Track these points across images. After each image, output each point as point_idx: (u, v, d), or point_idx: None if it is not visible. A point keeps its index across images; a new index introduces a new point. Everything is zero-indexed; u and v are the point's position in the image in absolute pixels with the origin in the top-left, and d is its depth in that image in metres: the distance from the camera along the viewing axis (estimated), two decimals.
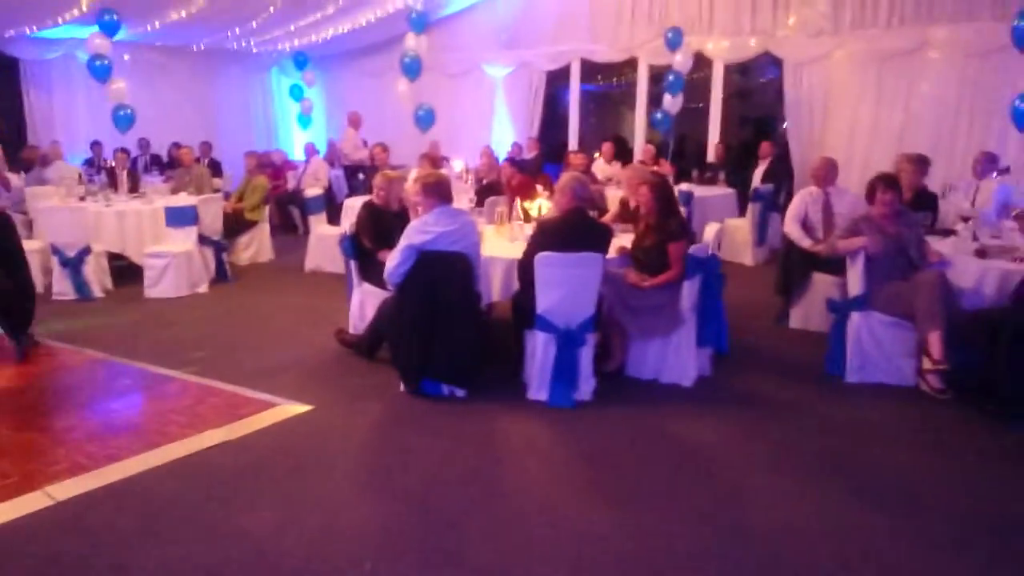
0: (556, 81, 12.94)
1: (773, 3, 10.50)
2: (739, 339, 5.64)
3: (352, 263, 5.54)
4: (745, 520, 3.24)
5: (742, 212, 9.18)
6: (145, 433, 4.11)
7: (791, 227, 6.04)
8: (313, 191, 9.52)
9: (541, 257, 4.31)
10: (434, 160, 8.73)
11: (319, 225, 8.74)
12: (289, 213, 11.18)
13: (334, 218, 9.19)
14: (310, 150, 11.98)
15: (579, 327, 4.37)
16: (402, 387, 4.62)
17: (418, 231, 4.45)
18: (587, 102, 13.68)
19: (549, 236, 4.47)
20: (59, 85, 12.14)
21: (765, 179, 9.55)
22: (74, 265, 7.04)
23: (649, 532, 3.13)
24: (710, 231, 5.61)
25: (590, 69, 12.86)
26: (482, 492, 3.48)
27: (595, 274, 4.37)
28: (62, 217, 7.21)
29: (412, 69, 10.41)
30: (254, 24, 11.73)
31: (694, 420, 4.31)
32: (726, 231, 8.09)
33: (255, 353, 5.51)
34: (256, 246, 9.02)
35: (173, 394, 4.70)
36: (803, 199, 6.15)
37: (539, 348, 4.43)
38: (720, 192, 9.70)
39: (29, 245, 7.37)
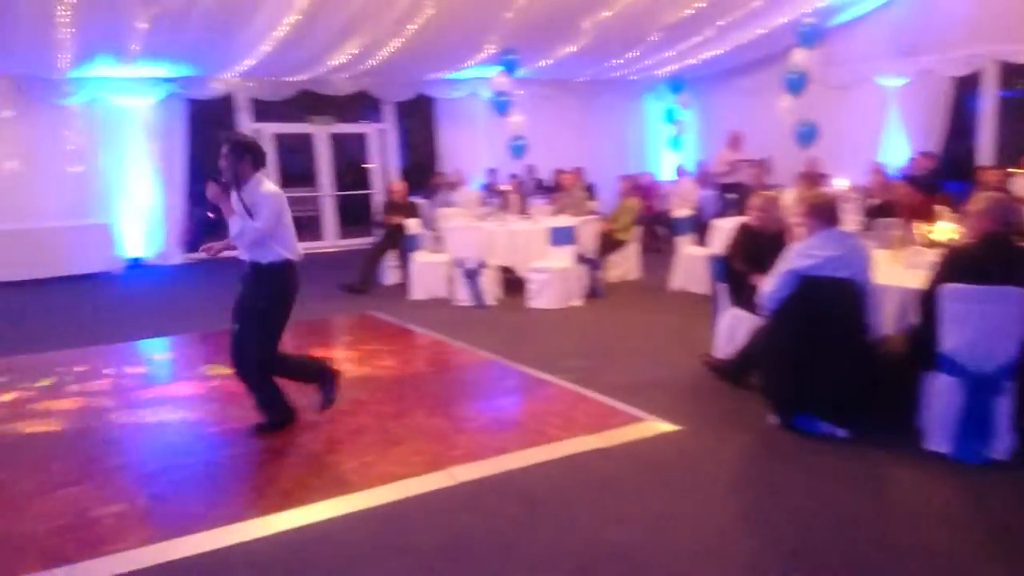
0: (962, 88, 11.37)
1: None
2: None
3: (721, 286, 5.43)
4: None
5: None
6: (527, 431, 4.48)
7: None
8: (681, 212, 9.59)
9: (950, 289, 3.77)
10: (812, 179, 8.22)
11: (686, 245, 8.77)
12: (656, 233, 11.42)
13: (702, 239, 9.15)
14: (680, 171, 12.12)
15: (996, 372, 3.73)
16: (773, 419, 4.39)
17: (800, 255, 4.20)
18: (1003, 110, 11.77)
19: (961, 265, 3.89)
20: (464, 119, 13.96)
21: None
22: (472, 276, 8.00)
23: None
24: None
25: (1009, 72, 11.05)
26: (862, 544, 3.13)
27: (1018, 312, 3.70)
28: (464, 235, 8.25)
29: (797, 85, 9.96)
30: (629, 54, 12.25)
31: None
32: None
33: (624, 367, 5.69)
34: (625, 265, 9.37)
35: (551, 397, 5.05)
36: None
37: (942, 392, 3.87)
38: None
39: (438, 259, 8.59)
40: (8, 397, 5.37)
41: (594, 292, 8.33)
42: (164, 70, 10.86)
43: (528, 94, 13.53)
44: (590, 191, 12.30)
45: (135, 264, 11.47)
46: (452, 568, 3.02)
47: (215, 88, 11.77)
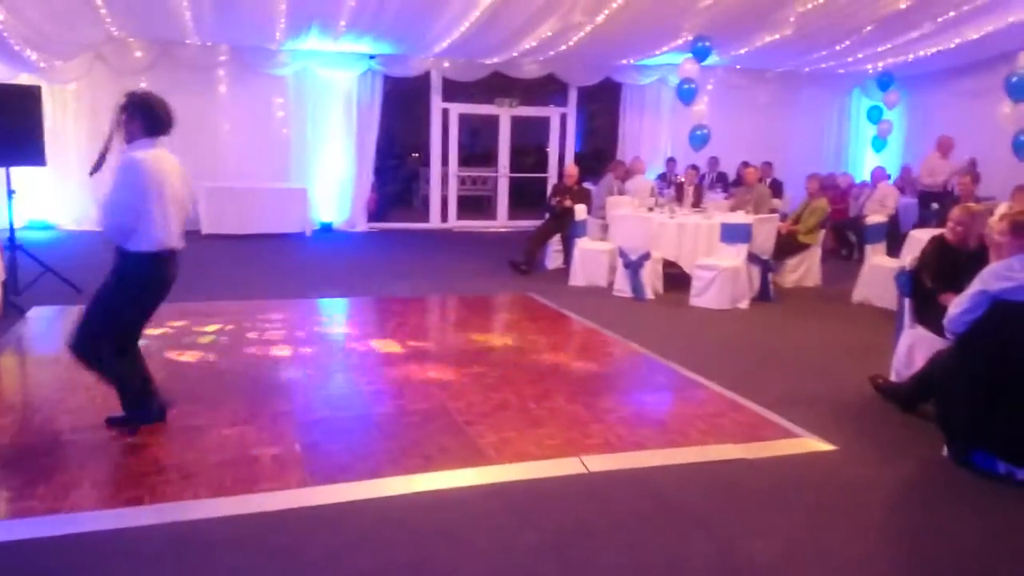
0: None
1: None
2: None
3: (907, 301, 4.97)
4: None
5: None
6: (668, 431, 4.36)
7: None
8: (875, 218, 8.88)
9: None
10: None
11: (876, 255, 8.11)
12: (845, 239, 10.66)
13: (894, 249, 8.42)
14: (878, 175, 11.21)
15: None
16: (945, 452, 3.97)
17: (998, 276, 3.74)
18: None
19: None
20: (649, 106, 13.72)
21: None
22: (634, 268, 7.87)
23: None
24: None
25: None
26: None
27: None
28: (631, 225, 8.12)
29: (1020, 90, 8.88)
30: (839, 47, 11.44)
31: None
32: None
33: (785, 378, 5.39)
34: (804, 269, 8.83)
35: (700, 400, 4.88)
36: None
37: None
38: None
39: (601, 247, 8.54)
40: (192, 338, 5.97)
41: (764, 295, 7.93)
42: (366, 46, 11.53)
43: (718, 83, 13.08)
44: (775, 188, 11.71)
45: (325, 228, 12.35)
46: (576, 554, 3.01)
47: (412, 66, 12.34)
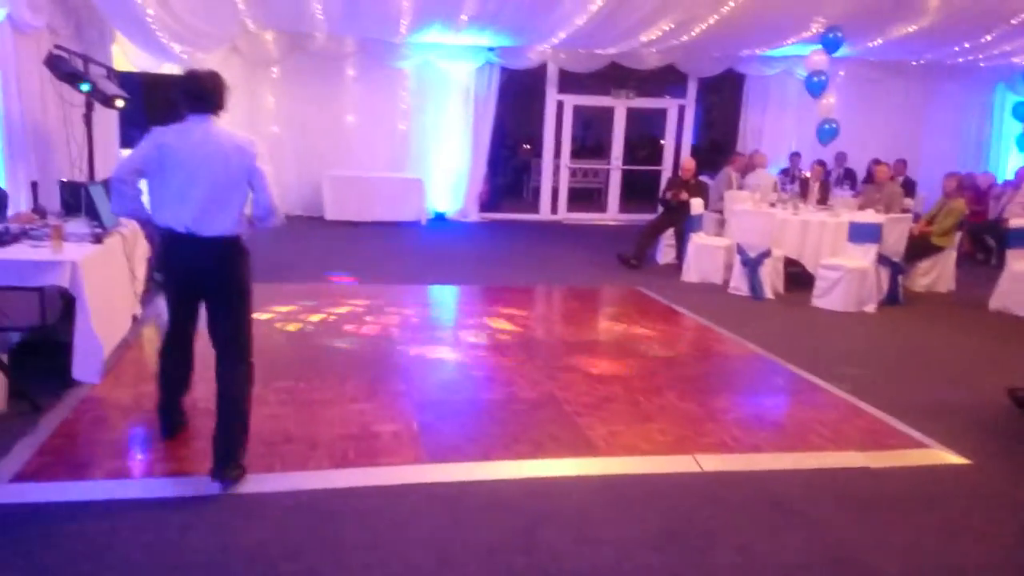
0: None
1: None
2: None
3: None
4: None
5: None
6: (787, 434, 4.22)
7: None
8: (1018, 221, 8.24)
9: None
10: None
11: (1018, 261, 7.53)
12: (983, 242, 9.96)
13: None
14: (1023, 175, 10.40)
15: None
16: None
17: None
18: None
19: None
20: (774, 99, 13.23)
21: None
22: (753, 266, 7.62)
23: None
24: None
25: None
26: None
27: None
28: (751, 220, 7.86)
29: None
30: (983, 39, 10.66)
31: None
32: None
33: (913, 386, 5.10)
34: (936, 273, 8.30)
35: (820, 404, 4.69)
36: None
37: None
38: None
39: (718, 242, 8.32)
40: (317, 318, 6.23)
41: (893, 299, 7.52)
42: (486, 39, 11.66)
43: (849, 75, 12.46)
44: (907, 187, 11.06)
45: (439, 217, 12.60)
46: (686, 552, 2.96)
47: (530, 58, 12.39)
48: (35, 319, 4.58)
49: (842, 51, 10.49)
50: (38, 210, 5.58)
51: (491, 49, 12.14)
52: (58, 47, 6.26)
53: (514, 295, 7.43)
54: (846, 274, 7.18)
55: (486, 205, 13.22)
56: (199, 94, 3.33)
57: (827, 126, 9.97)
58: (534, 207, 13.84)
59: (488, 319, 6.42)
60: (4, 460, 3.42)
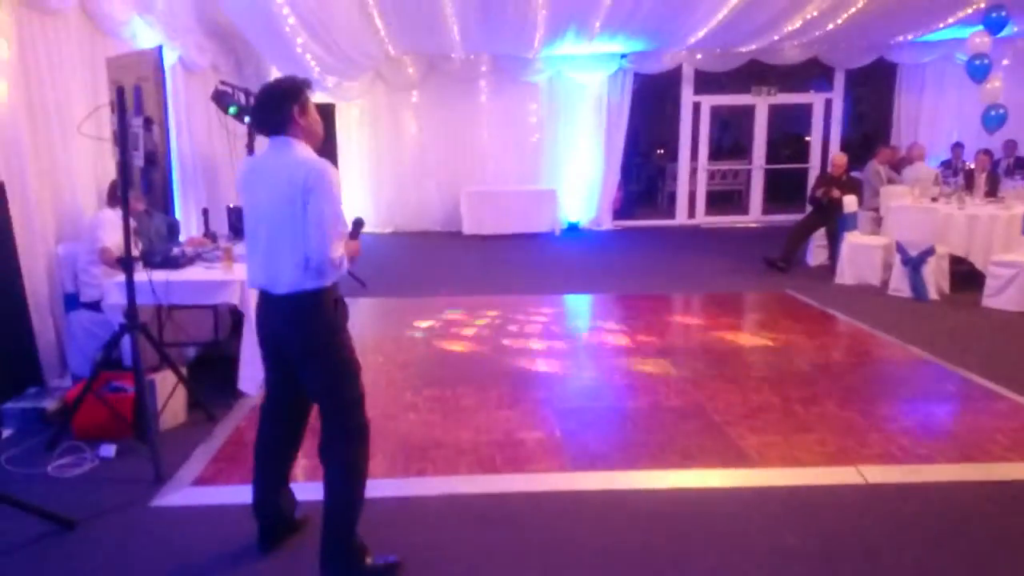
0: None
1: None
2: None
3: None
4: None
5: None
6: (963, 444, 3.88)
7: None
8: None
9: None
10: None
11: None
12: None
13: None
14: None
15: None
16: None
17: None
18: None
19: None
20: (930, 87, 12.34)
21: None
22: (915, 264, 7.10)
23: None
24: None
25: None
26: None
27: None
28: (911, 216, 7.33)
29: None
30: None
31: None
32: None
33: None
34: None
35: (1001, 412, 4.29)
36: None
37: None
38: None
39: (874, 241, 7.82)
40: (462, 328, 6.38)
41: None
42: (619, 45, 11.59)
43: (1016, 57, 11.40)
44: None
45: (572, 227, 12.61)
46: (855, 570, 2.78)
47: (664, 62, 12.20)
48: (210, 335, 4.98)
49: (1009, 30, 9.61)
50: (209, 235, 6.07)
51: (623, 56, 12.06)
52: (223, 83, 6.80)
53: (653, 302, 7.30)
54: (1022, 271, 6.54)
55: (620, 213, 13.11)
56: (253, 111, 2.83)
57: (993, 112, 9.14)
58: (670, 213, 13.58)
59: (627, 327, 6.34)
60: (185, 466, 3.73)
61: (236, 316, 4.92)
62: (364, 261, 9.09)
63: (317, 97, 10.56)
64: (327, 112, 8.33)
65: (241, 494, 3.42)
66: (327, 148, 8.02)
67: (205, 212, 6.66)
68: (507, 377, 5.06)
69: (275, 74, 10.65)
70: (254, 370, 4.50)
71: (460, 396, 4.67)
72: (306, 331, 2.65)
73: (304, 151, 2.67)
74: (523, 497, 3.36)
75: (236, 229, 6.00)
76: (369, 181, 12.43)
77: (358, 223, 3.06)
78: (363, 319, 6.78)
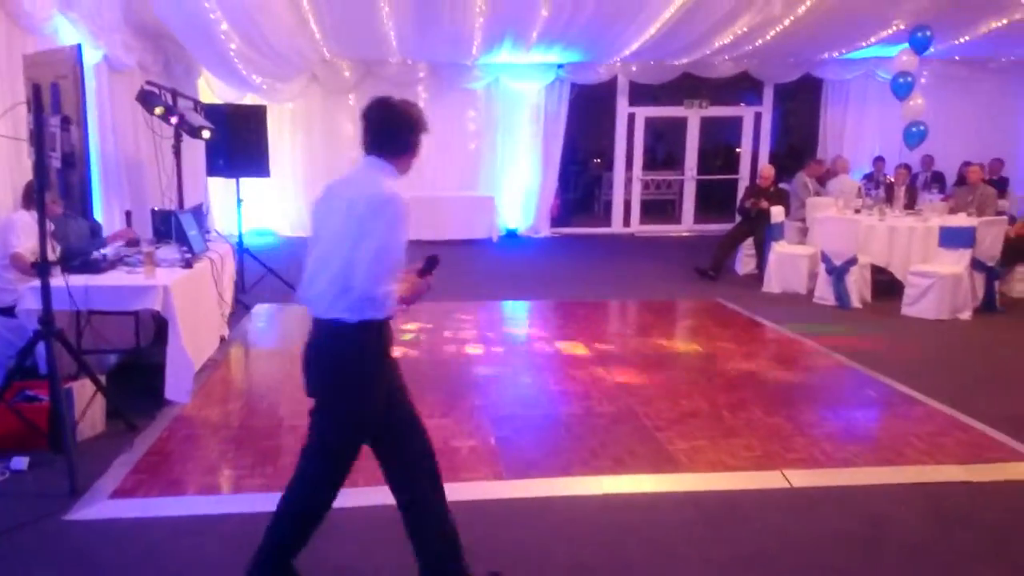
0: None
1: None
2: None
3: None
4: None
5: None
6: (881, 448, 4.03)
7: None
8: None
9: None
10: None
11: None
12: None
13: None
14: None
15: None
16: None
17: None
18: None
19: None
20: (854, 103, 12.81)
21: None
22: (839, 274, 7.35)
23: None
24: None
25: None
26: None
27: None
28: (835, 227, 7.59)
29: None
30: None
31: None
32: None
33: (1016, 396, 4.83)
34: None
35: (916, 417, 4.47)
36: None
37: None
38: None
39: (800, 251, 8.06)
40: (397, 336, 6.32)
41: (989, 305, 7.14)
42: (555, 56, 11.70)
43: (933, 75, 11.95)
44: (1002, 187, 10.52)
45: (510, 234, 12.65)
46: (778, 572, 2.85)
47: (600, 73, 12.36)
48: (131, 342, 4.80)
49: (927, 52, 10.08)
50: (132, 239, 5.86)
51: (560, 66, 12.18)
52: (149, 83, 6.59)
53: (588, 309, 7.37)
54: (938, 280, 6.85)
55: (557, 220, 13.21)
56: (370, 124, 2.58)
57: (915, 128, 9.57)
58: (606, 221, 13.75)
59: (562, 334, 6.38)
60: (103, 478, 3.58)
61: (160, 322, 4.76)
62: (299, 265, 8.91)
63: (248, 98, 10.38)
64: (259, 113, 8.14)
65: (163, 507, 3.31)
66: (259, 151, 7.88)
67: (128, 215, 6.44)
68: (442, 384, 5.03)
69: (206, 75, 10.42)
70: (180, 378, 4.36)
71: None
72: (324, 362, 2.52)
73: (384, 179, 2.51)
74: (456, 506, 3.32)
75: (160, 232, 5.82)
76: (303, 185, 12.21)
77: (432, 260, 2.71)
78: (294, 327, 6.65)
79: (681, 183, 13.71)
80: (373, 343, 2.51)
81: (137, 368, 4.84)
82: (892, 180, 9.67)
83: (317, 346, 2.54)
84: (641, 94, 13.01)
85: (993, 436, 4.14)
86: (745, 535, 3.12)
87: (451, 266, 9.77)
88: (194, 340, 4.60)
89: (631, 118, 13.01)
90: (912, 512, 3.31)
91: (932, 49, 10.11)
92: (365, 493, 3.45)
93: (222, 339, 5.72)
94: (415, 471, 2.69)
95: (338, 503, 3.30)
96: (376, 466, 3.67)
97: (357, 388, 2.50)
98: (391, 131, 2.55)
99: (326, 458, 2.60)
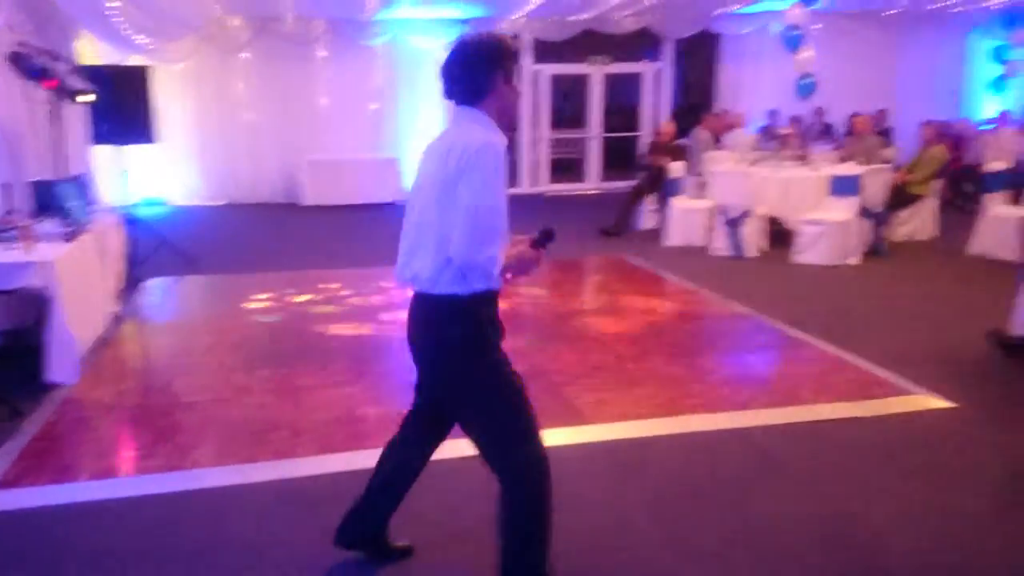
0: None
1: None
2: None
3: None
4: None
5: None
6: (774, 390, 4.22)
7: None
8: (996, 165, 8.24)
9: None
10: None
11: (996, 204, 7.54)
12: (960, 188, 9.97)
13: (1017, 198, 7.84)
14: (1003, 118, 10.39)
15: None
16: None
17: None
18: None
19: None
20: (749, 57, 13.12)
21: None
22: (734, 225, 7.60)
23: None
24: None
25: None
26: None
27: None
28: (731, 181, 7.82)
29: None
30: None
31: None
32: None
33: (898, 335, 5.13)
34: (918, 222, 8.33)
35: (806, 359, 4.70)
36: None
37: None
38: None
39: (699, 204, 8.28)
40: (301, 304, 6.17)
41: (875, 250, 7.53)
42: (457, 11, 11.48)
43: (825, 28, 12.34)
44: (887, 137, 11.04)
45: None
46: (681, 511, 2.97)
47: (503, 29, 12.21)
48: (8, 322, 4.52)
49: (820, 3, 10.39)
50: (10, 212, 5.48)
51: (463, 22, 11.97)
52: (21, 44, 6.11)
53: None
54: (828, 228, 7.18)
55: None
56: (444, 70, 2.29)
57: (805, 81, 9.90)
58: (515, 181, 13.74)
59: None
60: None
61: (41, 302, 4.49)
62: (195, 236, 8.60)
63: (132, 59, 9.77)
64: (143, 75, 7.68)
65: (51, 495, 3.16)
66: (143, 116, 7.45)
67: (6, 188, 6.00)
68: (348, 352, 4.96)
69: (84, 33, 9.73)
70: (64, 358, 4.14)
71: (298, 375, 4.52)
72: (434, 342, 2.29)
73: (480, 128, 2.21)
74: (364, 474, 3.30)
75: (42, 206, 5.45)
76: (196, 149, 11.67)
77: (547, 234, 2.38)
78: (192, 298, 6.41)
79: (587, 141, 13.80)
80: (479, 318, 2.28)
81: (19, 351, 4.56)
82: (786, 132, 10.02)
83: (422, 324, 2.32)
84: (546, 51, 12.95)
85: (878, 374, 4.39)
86: (648, 480, 3.22)
87: (355, 231, 9.65)
88: (80, 317, 4.38)
89: (536, 76, 12.96)
90: (804, 449, 3.49)
91: (822, 2, 10.43)
92: (272, 466, 3.39)
93: (115, 316, 5.46)
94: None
95: (243, 479, 3.25)
96: (280, 438, 3.62)
97: (483, 362, 2.31)
98: (465, 73, 2.24)
99: (513, 450, 2.35)
